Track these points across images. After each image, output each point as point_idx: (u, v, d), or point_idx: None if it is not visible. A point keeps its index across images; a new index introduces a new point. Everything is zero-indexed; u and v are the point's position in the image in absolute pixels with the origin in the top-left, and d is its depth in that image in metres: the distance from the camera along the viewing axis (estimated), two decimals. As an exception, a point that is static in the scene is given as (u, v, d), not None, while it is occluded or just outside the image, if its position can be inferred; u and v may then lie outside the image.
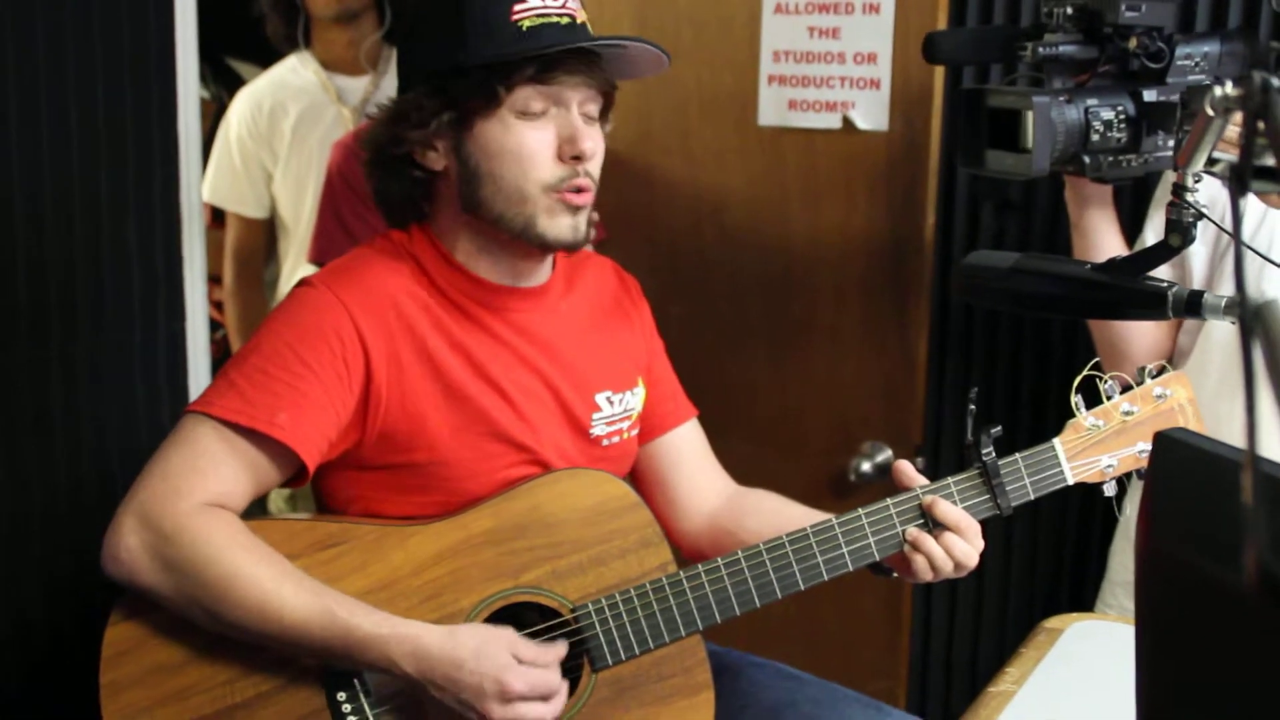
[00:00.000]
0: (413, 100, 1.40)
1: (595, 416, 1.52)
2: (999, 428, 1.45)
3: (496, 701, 1.31)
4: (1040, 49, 1.54)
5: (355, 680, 1.38)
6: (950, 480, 1.45)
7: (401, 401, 1.39)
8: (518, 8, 1.36)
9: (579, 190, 1.40)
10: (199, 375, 2.12)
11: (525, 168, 1.38)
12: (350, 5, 2.62)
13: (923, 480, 1.45)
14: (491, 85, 1.36)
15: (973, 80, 2.14)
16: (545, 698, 1.34)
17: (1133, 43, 1.54)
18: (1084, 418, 1.47)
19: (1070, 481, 1.47)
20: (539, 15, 1.37)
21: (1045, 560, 2.26)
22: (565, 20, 1.38)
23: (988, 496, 1.44)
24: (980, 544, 1.44)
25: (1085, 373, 1.47)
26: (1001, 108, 1.52)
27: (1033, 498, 1.46)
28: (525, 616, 1.42)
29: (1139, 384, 1.50)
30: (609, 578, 1.42)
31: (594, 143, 1.41)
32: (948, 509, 1.42)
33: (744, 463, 1.72)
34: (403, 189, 1.46)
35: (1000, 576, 2.31)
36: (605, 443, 1.53)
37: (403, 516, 1.43)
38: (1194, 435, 0.93)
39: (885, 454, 2.24)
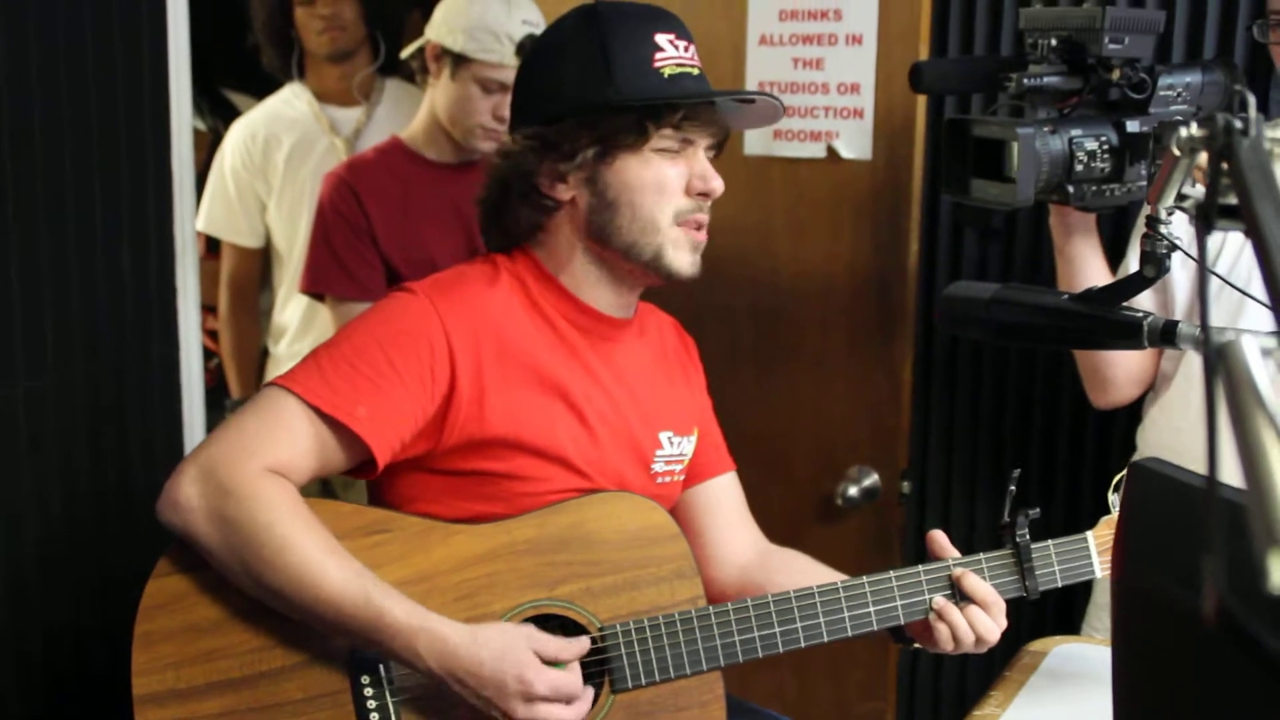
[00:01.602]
0: (566, 132, 1.48)
1: (658, 453, 1.58)
2: (1037, 510, 1.49)
3: (519, 700, 1.33)
4: (1025, 80, 1.56)
5: (380, 666, 1.40)
6: (982, 556, 1.49)
7: (480, 416, 1.43)
8: (659, 56, 1.49)
9: (700, 226, 1.52)
10: (193, 404, 2.14)
11: (661, 198, 1.48)
12: (343, 45, 2.67)
13: (955, 552, 1.49)
14: (643, 123, 1.46)
15: (954, 111, 2.17)
16: (568, 701, 1.37)
17: (1116, 74, 1.57)
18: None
19: (1098, 575, 1.51)
20: (677, 65, 1.50)
21: (1031, 583, 2.28)
22: (696, 72, 1.52)
23: (1016, 578, 1.49)
24: (1004, 622, 1.48)
25: (1124, 474, 1.50)
26: (986, 137, 1.54)
27: (1060, 585, 1.50)
28: (553, 631, 1.44)
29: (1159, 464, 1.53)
30: (640, 602, 1.45)
31: (720, 182, 1.51)
32: (976, 583, 1.47)
33: (732, 488, 1.75)
34: (527, 216, 1.53)
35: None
36: (660, 480, 1.59)
37: (455, 519, 1.46)
38: (1167, 465, 0.96)
39: (871, 479, 2.27)
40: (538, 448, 1.46)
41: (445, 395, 1.42)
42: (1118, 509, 1.49)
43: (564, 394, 1.48)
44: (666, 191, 1.47)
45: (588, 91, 1.47)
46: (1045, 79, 1.56)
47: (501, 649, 1.34)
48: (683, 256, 1.50)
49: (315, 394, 1.38)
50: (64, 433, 1.90)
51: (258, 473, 1.35)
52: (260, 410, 1.40)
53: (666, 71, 1.48)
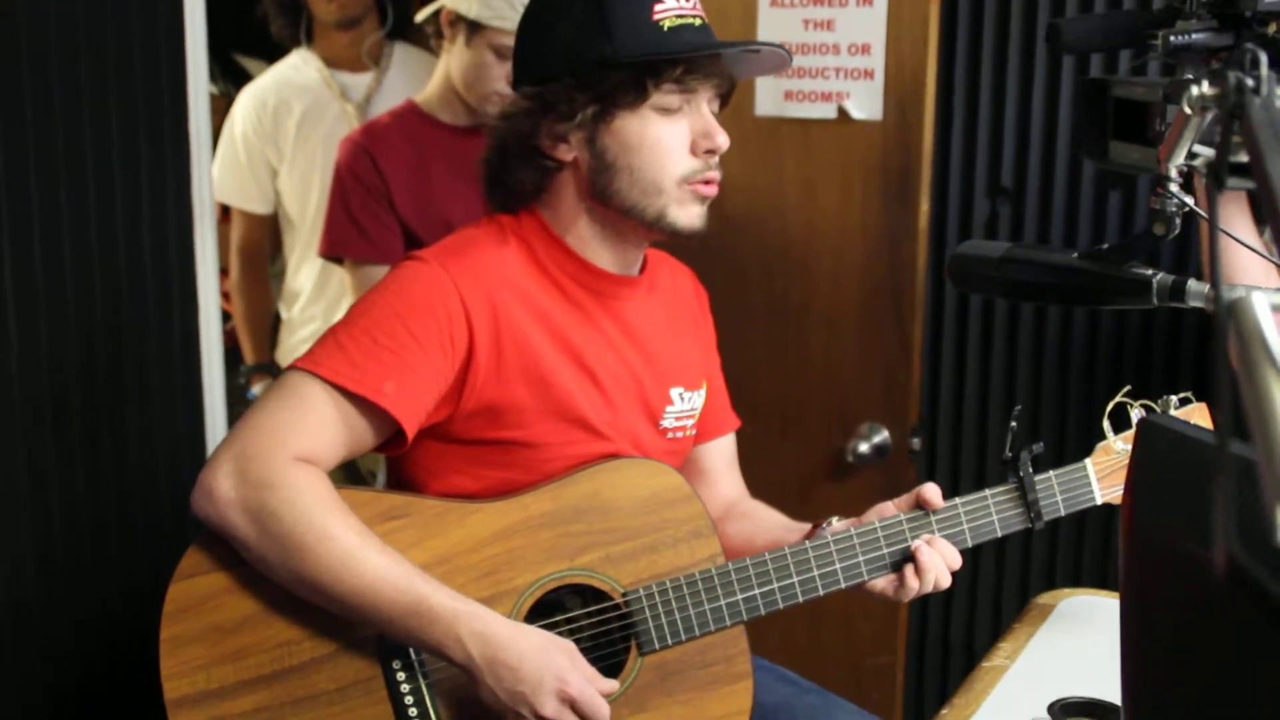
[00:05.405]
0: (562, 92, 1.45)
1: (668, 409, 1.58)
2: (1040, 445, 1.52)
3: (552, 698, 1.33)
4: (1173, 37, 1.52)
5: (411, 650, 1.41)
6: (988, 492, 1.52)
7: (497, 380, 1.43)
8: (658, 8, 1.44)
9: (710, 182, 1.48)
10: (212, 367, 2.16)
11: (663, 161, 1.45)
12: (351, 12, 2.67)
13: (940, 503, 1.51)
14: (641, 81, 1.42)
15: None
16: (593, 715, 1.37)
17: (1272, 28, 1.53)
18: (1114, 441, 1.54)
19: (1099, 501, 1.54)
20: (678, 16, 1.45)
21: (1040, 537, 2.32)
22: (698, 22, 1.47)
23: (1022, 510, 1.52)
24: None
25: (1117, 400, 1.53)
26: (1128, 99, 1.51)
27: (1063, 513, 1.53)
28: (575, 600, 1.46)
29: (1164, 413, 1.55)
30: (660, 565, 1.46)
31: (725, 137, 1.48)
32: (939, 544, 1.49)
33: (745, 444, 1.77)
34: (529, 177, 1.51)
35: (995, 554, 2.36)
36: (670, 435, 1.59)
37: (476, 492, 1.46)
38: (1177, 421, 0.98)
39: (882, 435, 2.30)
40: (556, 410, 1.46)
41: (464, 360, 1.42)
42: (1112, 435, 1.53)
43: (577, 355, 1.48)
44: (667, 153, 1.44)
45: (584, 48, 1.43)
46: (1194, 35, 1.52)
47: (544, 646, 1.35)
48: (690, 211, 1.47)
49: (340, 374, 1.37)
50: (87, 401, 1.93)
51: (291, 462, 1.34)
52: (287, 396, 1.38)
53: (666, 24, 1.43)
